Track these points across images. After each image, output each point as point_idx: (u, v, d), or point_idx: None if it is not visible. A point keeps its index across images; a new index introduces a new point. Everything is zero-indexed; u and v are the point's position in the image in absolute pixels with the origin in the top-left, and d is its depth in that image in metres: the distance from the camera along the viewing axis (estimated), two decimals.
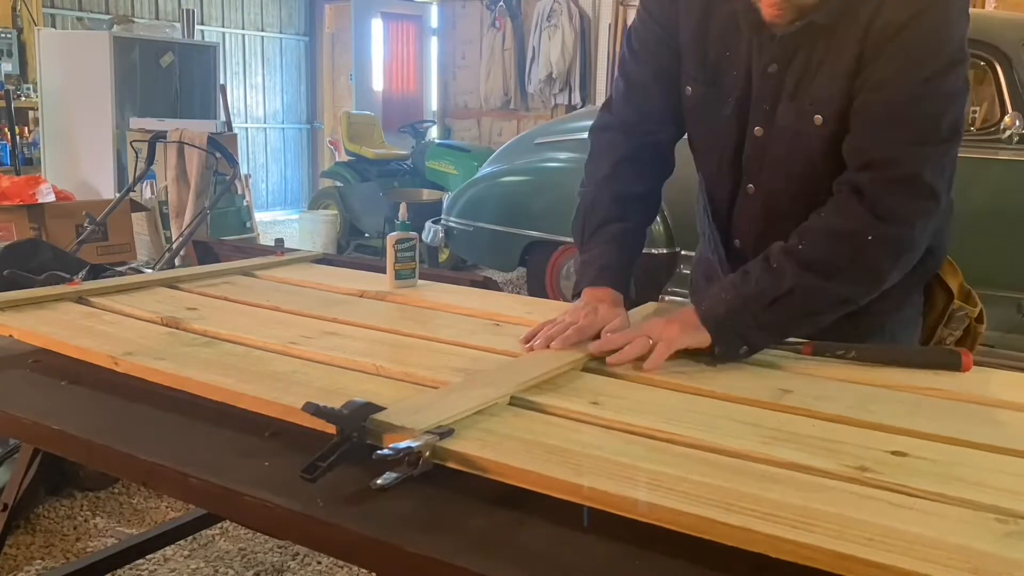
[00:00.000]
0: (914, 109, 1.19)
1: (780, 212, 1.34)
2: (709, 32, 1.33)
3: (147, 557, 2.29)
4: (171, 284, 1.72)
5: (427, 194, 6.87)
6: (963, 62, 1.20)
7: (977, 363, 1.23)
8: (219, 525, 2.48)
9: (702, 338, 1.23)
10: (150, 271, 2.35)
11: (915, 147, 1.19)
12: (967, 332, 1.42)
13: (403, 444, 0.90)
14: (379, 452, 0.89)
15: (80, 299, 1.56)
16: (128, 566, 2.23)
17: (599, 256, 1.40)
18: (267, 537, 2.44)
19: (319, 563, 2.41)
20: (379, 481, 0.88)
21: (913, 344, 1.42)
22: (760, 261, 1.25)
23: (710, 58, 1.34)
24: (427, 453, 0.90)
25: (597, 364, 1.22)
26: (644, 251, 1.47)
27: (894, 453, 0.93)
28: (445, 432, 0.94)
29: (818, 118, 1.25)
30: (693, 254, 1.68)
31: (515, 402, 1.07)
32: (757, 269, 1.24)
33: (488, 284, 1.84)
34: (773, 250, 1.24)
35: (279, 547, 2.47)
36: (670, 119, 1.44)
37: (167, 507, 2.69)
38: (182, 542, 2.41)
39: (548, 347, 1.26)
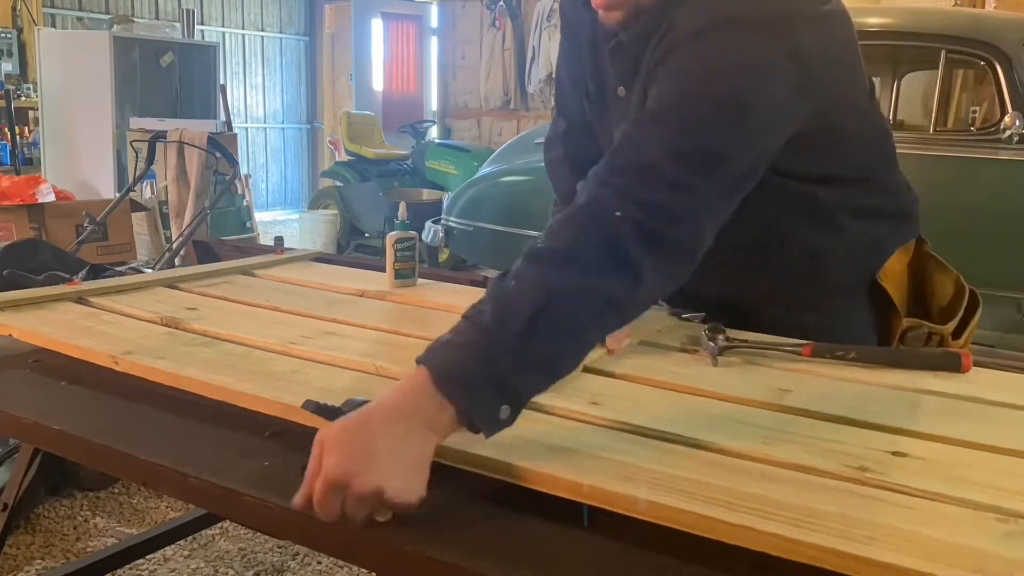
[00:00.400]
0: (670, 113, 1.05)
1: None
2: (597, 51, 1.29)
3: (147, 557, 2.29)
4: (171, 284, 1.72)
5: (427, 194, 6.87)
6: (749, 106, 1.04)
7: (977, 363, 1.23)
8: (219, 525, 2.48)
9: (412, 461, 0.83)
10: (150, 271, 2.35)
11: (660, 140, 1.02)
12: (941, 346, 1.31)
13: (359, 398, 0.90)
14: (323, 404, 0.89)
15: (80, 299, 1.56)
16: (128, 566, 2.23)
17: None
18: (267, 537, 2.44)
19: (319, 563, 2.41)
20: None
21: None
22: (492, 285, 0.98)
23: (595, 76, 1.32)
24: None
25: (597, 364, 1.22)
26: None
27: (894, 453, 0.93)
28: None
29: None
30: None
31: None
32: (491, 294, 0.95)
33: (488, 284, 1.83)
34: (508, 270, 0.98)
35: (279, 547, 2.47)
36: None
37: (167, 507, 2.69)
38: (182, 542, 2.41)
39: None
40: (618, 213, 0.96)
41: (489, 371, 0.86)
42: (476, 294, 1.70)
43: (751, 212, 1.11)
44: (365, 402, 0.95)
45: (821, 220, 1.27)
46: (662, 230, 0.97)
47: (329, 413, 0.95)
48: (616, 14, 1.15)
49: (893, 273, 1.33)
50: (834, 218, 1.27)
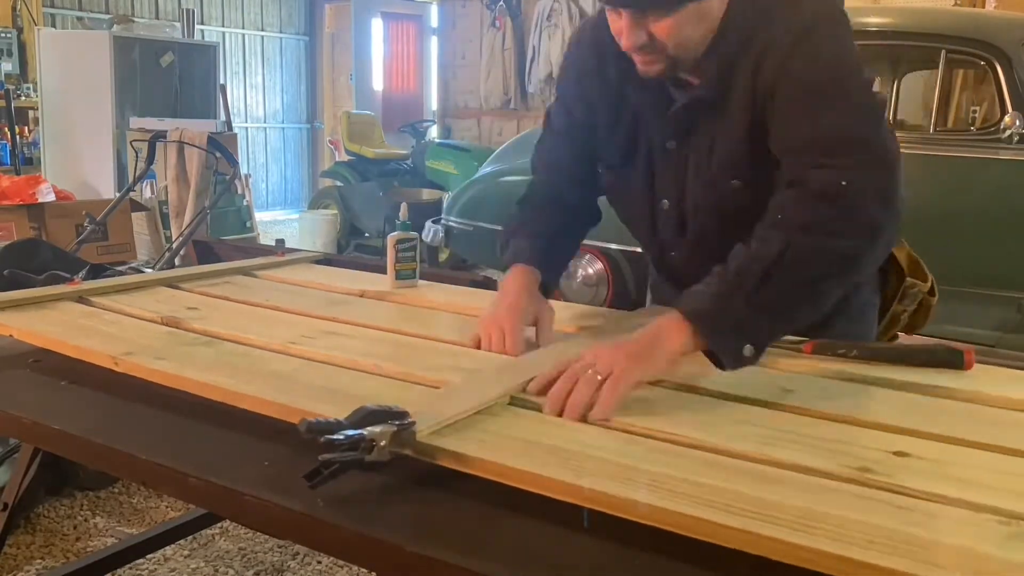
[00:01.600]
0: (829, 109, 1.16)
1: (712, 251, 1.24)
2: (621, 118, 1.38)
3: (147, 557, 2.28)
4: (171, 284, 1.72)
5: (427, 194, 6.86)
6: (866, 82, 1.21)
7: (978, 362, 1.23)
8: (219, 525, 2.47)
9: (660, 362, 1.07)
10: (150, 271, 2.35)
11: (848, 122, 1.15)
12: (920, 306, 1.47)
13: (354, 431, 0.89)
14: (328, 437, 0.87)
15: (80, 299, 1.56)
16: (128, 566, 2.23)
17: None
18: (267, 537, 2.44)
19: (319, 563, 2.41)
20: (320, 457, 0.87)
21: (873, 323, 1.47)
22: (739, 246, 1.12)
23: (622, 142, 1.40)
24: (383, 442, 0.89)
25: None
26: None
27: (896, 453, 0.92)
28: (404, 423, 0.92)
29: (736, 183, 1.29)
30: None
31: (515, 402, 1.07)
32: (738, 252, 1.11)
33: (488, 284, 1.84)
34: (754, 231, 1.12)
35: (279, 547, 2.47)
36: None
37: (167, 507, 2.69)
38: (182, 542, 2.41)
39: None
40: (843, 182, 1.10)
41: (724, 312, 1.07)
42: (476, 294, 1.71)
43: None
44: (373, 411, 0.93)
45: None
46: (889, 190, 1.13)
47: (328, 428, 0.93)
48: (655, 68, 1.25)
49: None
50: None
